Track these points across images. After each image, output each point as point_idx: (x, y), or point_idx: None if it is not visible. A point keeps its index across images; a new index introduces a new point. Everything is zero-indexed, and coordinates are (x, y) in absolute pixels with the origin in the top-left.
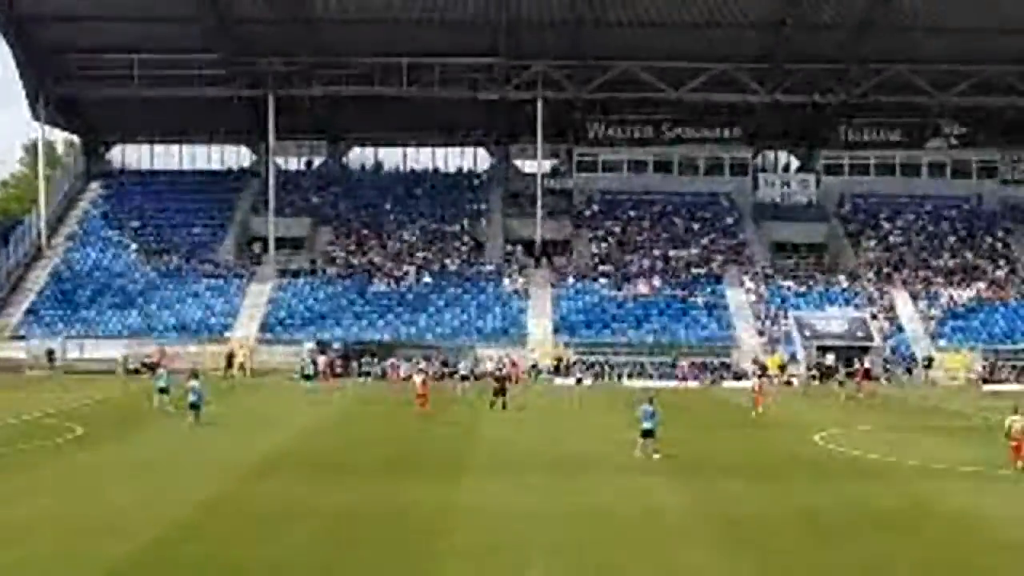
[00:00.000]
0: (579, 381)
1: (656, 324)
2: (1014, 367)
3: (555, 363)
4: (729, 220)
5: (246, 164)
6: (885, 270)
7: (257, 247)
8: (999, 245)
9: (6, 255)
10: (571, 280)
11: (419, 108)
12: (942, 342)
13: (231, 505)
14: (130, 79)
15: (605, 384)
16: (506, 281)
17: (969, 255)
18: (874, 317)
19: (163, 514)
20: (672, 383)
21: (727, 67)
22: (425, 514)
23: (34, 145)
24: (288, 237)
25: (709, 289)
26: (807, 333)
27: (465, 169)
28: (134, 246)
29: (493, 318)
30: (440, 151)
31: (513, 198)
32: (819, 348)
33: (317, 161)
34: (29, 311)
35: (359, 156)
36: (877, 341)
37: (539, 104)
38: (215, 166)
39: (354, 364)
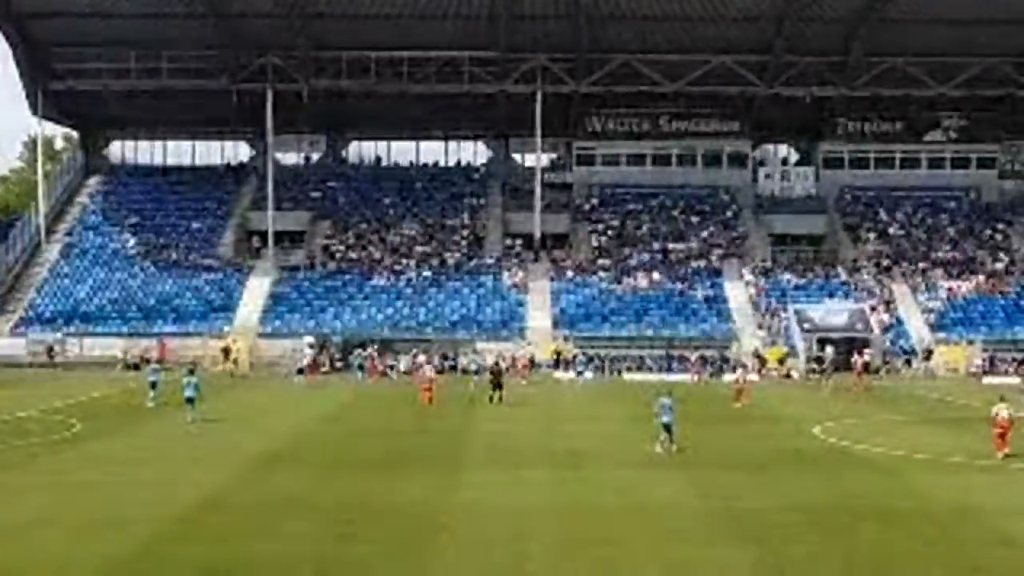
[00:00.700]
0: (580, 374)
1: (655, 317)
2: (1013, 359)
3: (554, 357)
4: (728, 213)
5: (245, 159)
6: (884, 262)
7: (256, 241)
8: (998, 237)
9: (5, 250)
10: (570, 274)
11: (418, 102)
12: (941, 334)
13: (230, 500)
14: (129, 74)
15: (604, 378)
16: (505, 275)
17: (968, 247)
18: (873, 309)
19: (162, 510)
20: (672, 376)
21: (726, 60)
22: (424, 508)
23: (33, 140)
24: (287, 231)
25: (708, 282)
26: (806, 326)
27: (464, 163)
28: (133, 241)
29: (492, 312)
30: (439, 145)
31: (512, 192)
32: (819, 341)
33: (316, 155)
34: (28, 307)
35: (358, 150)
36: (876, 333)
37: (538, 98)
38: (214, 161)
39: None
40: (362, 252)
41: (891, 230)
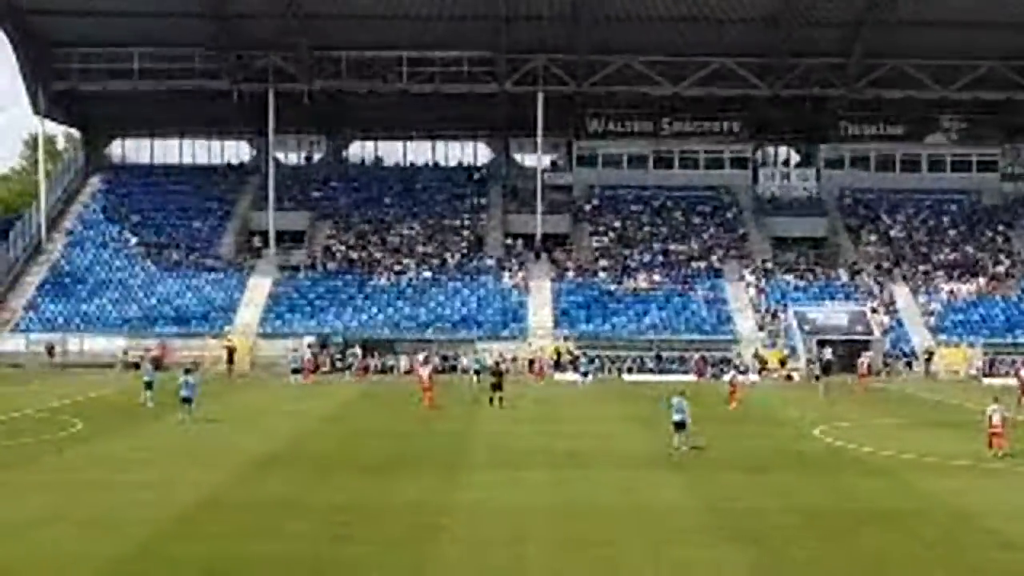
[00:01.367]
0: (585, 375)
1: (656, 318)
2: (1014, 361)
3: (555, 357)
4: (729, 214)
5: (246, 158)
6: (885, 264)
7: (257, 241)
8: (999, 239)
9: (6, 249)
10: (571, 275)
11: (419, 102)
12: (942, 336)
13: (229, 500)
14: (130, 73)
15: (605, 378)
16: (506, 275)
17: (969, 249)
18: (874, 311)
19: (161, 509)
20: (670, 377)
21: (727, 61)
22: (423, 509)
23: (34, 139)
24: (288, 231)
25: (709, 284)
26: (807, 327)
27: (465, 164)
28: (134, 240)
29: (493, 312)
30: (440, 145)
31: (513, 192)
32: (819, 342)
33: (317, 155)
34: (29, 306)
35: (359, 150)
36: (877, 335)
37: (539, 98)
38: (215, 160)
39: (351, 358)
40: (363, 252)
41: (892, 232)
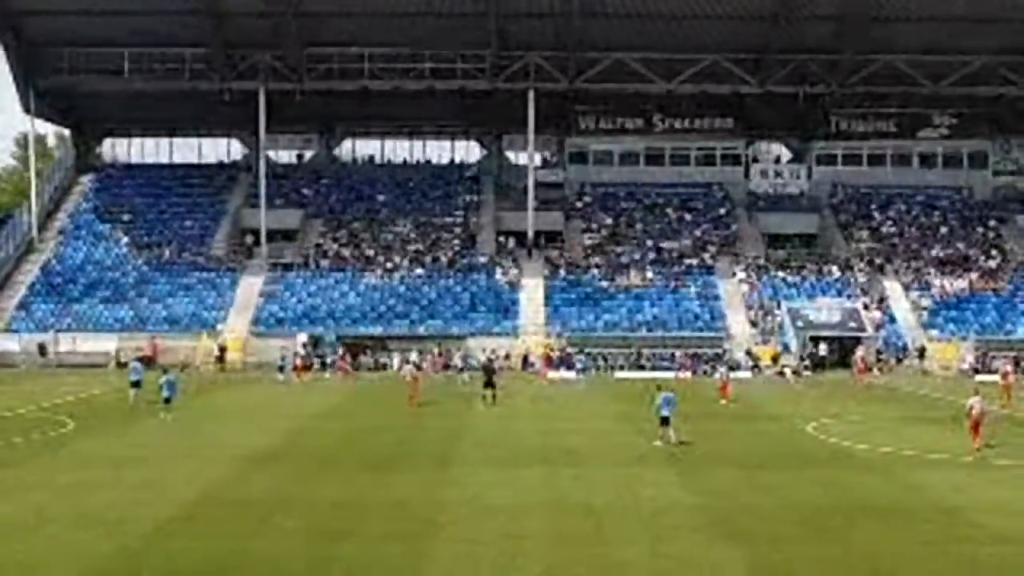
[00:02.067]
0: (582, 371)
1: (648, 315)
2: (1006, 357)
3: (547, 355)
4: (721, 211)
5: (237, 157)
6: (877, 260)
7: (249, 240)
8: (991, 235)
9: None
10: (563, 272)
11: (411, 100)
12: (934, 332)
13: (224, 498)
14: (121, 72)
15: (597, 376)
16: (498, 273)
17: (961, 245)
18: (866, 307)
19: (155, 508)
20: (663, 374)
21: (719, 58)
22: (418, 506)
23: (25, 138)
24: (280, 230)
25: (701, 280)
26: (799, 323)
27: (457, 161)
28: (125, 239)
29: (486, 310)
30: (432, 143)
31: (505, 190)
32: (812, 338)
33: (309, 154)
34: (20, 305)
35: (351, 148)
36: (869, 331)
37: (531, 96)
38: (206, 159)
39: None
40: (355, 250)
41: (884, 228)
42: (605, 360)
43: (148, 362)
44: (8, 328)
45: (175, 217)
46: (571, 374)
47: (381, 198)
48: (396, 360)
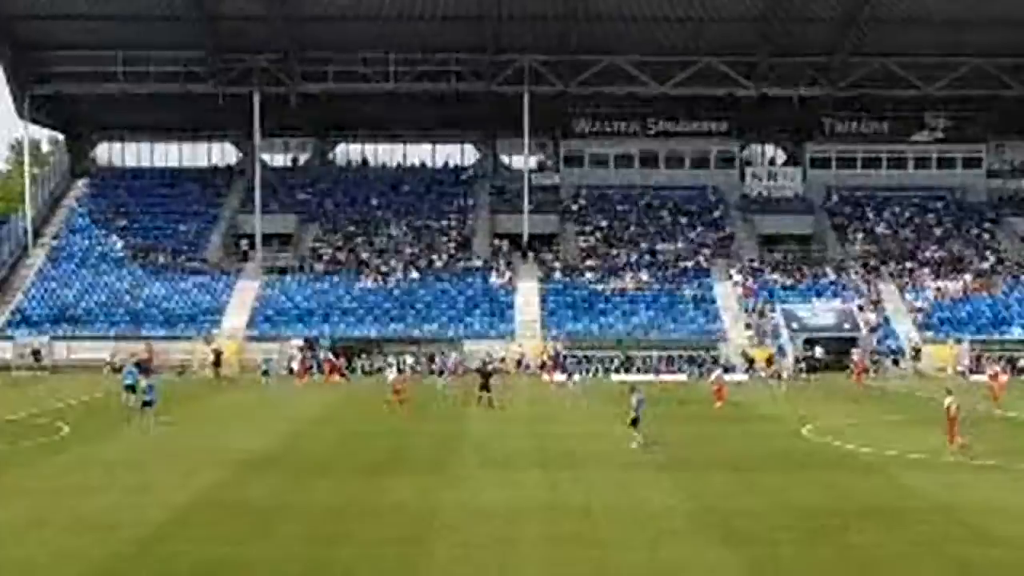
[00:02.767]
0: (570, 376)
1: (643, 318)
2: (1000, 358)
3: (541, 358)
4: (716, 214)
5: (232, 161)
6: (872, 262)
7: (244, 244)
8: (985, 236)
9: None
10: (558, 275)
11: (405, 104)
12: (929, 334)
13: (218, 503)
14: (115, 76)
15: (594, 379)
16: (493, 276)
17: (955, 247)
18: (861, 309)
19: (150, 512)
20: (656, 377)
21: (713, 61)
22: (414, 510)
23: (19, 143)
24: (275, 234)
25: (696, 283)
26: (795, 326)
27: (452, 165)
28: (120, 244)
29: (481, 313)
30: (427, 147)
31: (500, 193)
32: (807, 341)
33: (304, 158)
34: (15, 310)
35: (345, 152)
36: (865, 333)
37: (525, 99)
38: (201, 164)
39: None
40: (350, 254)
41: (878, 230)
42: (600, 363)
43: (145, 366)
44: (3, 333)
45: (170, 221)
46: (562, 377)
47: (376, 202)
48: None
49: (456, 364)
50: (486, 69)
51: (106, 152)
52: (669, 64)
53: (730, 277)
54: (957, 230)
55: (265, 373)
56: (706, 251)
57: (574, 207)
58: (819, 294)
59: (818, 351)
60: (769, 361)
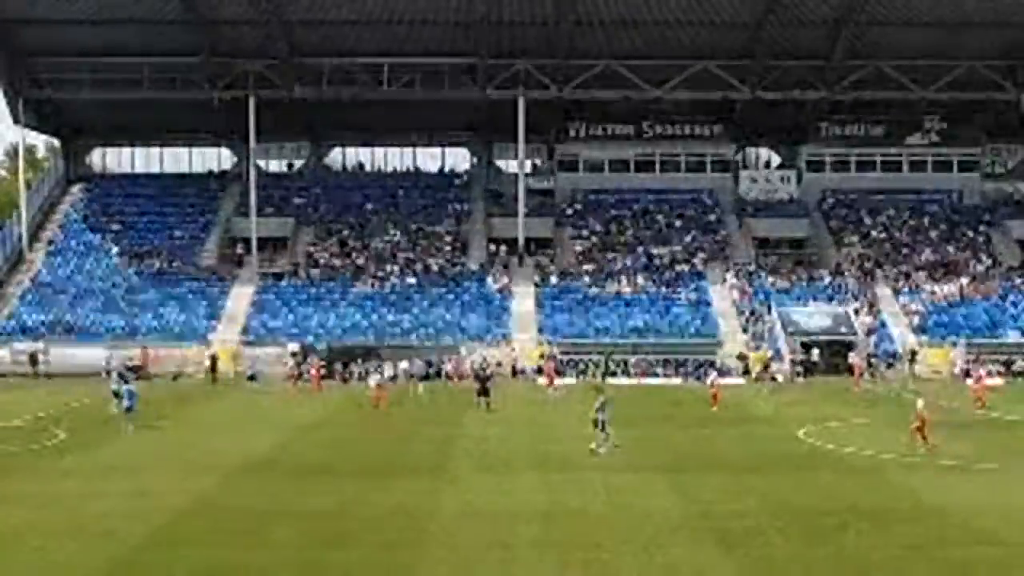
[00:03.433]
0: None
1: (639, 321)
2: (996, 361)
3: (538, 363)
4: (711, 217)
5: (227, 166)
6: (867, 265)
7: (240, 249)
8: (981, 239)
9: None
10: (554, 279)
11: (400, 108)
12: (925, 337)
13: (216, 507)
14: (110, 82)
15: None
16: (489, 280)
17: (951, 250)
18: (857, 312)
19: (148, 517)
20: (653, 380)
21: (708, 64)
22: (411, 514)
23: (14, 149)
24: (270, 238)
25: (692, 286)
26: (790, 329)
27: (447, 169)
28: (116, 249)
29: (477, 317)
30: (422, 151)
31: (495, 198)
32: (802, 344)
33: (299, 162)
34: (11, 315)
35: (341, 157)
36: (860, 336)
37: (520, 103)
38: (196, 168)
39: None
40: (346, 259)
41: (874, 233)
42: (596, 366)
43: (138, 371)
44: None
45: (165, 226)
46: (560, 382)
47: (371, 206)
48: (387, 369)
49: (455, 367)
50: (481, 73)
51: (101, 157)
52: (664, 68)
53: (726, 280)
54: (952, 233)
55: (251, 378)
56: (702, 254)
57: (570, 211)
58: (815, 297)
59: (814, 354)
60: (765, 364)
